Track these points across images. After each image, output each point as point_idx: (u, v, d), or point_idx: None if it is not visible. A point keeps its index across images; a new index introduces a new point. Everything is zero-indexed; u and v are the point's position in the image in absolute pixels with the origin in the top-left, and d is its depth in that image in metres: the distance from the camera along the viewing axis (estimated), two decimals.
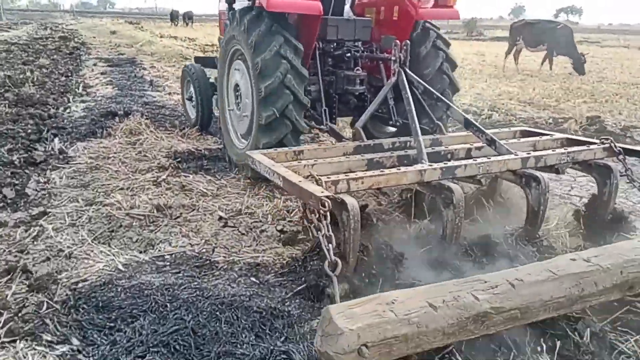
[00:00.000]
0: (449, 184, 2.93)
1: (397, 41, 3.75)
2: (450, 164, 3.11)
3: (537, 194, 3.10)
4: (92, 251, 3.12)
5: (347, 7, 4.93)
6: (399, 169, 3.01)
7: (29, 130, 5.73)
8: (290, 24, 4.14)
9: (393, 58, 3.77)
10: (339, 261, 2.22)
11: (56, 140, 5.31)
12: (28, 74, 9.97)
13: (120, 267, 2.94)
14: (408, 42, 3.76)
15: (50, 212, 3.63)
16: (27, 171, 4.38)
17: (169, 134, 5.96)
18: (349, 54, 4.56)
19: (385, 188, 3.08)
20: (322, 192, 2.47)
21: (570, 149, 3.49)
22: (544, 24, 14.27)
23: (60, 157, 4.87)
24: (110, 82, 10.22)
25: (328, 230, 2.32)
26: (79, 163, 4.72)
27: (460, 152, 3.65)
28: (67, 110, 7.14)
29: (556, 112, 8.63)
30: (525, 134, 4.22)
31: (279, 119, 3.92)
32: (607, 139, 3.55)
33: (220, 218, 3.61)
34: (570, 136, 4.12)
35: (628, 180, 3.42)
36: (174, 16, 42.90)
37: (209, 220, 3.61)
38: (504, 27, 68.92)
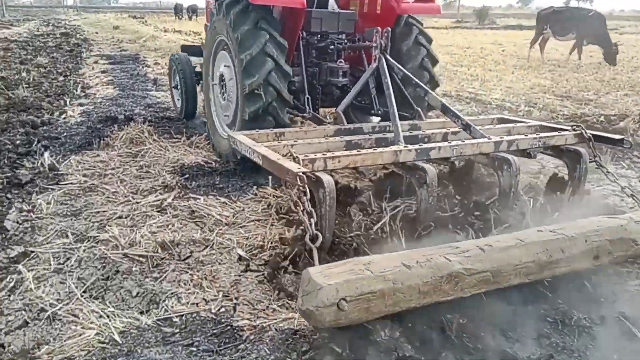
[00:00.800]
0: (423, 164, 3.01)
1: (379, 28, 3.85)
2: (425, 145, 3.19)
3: (509, 176, 3.17)
4: (82, 310, 2.44)
5: (331, 1, 4.99)
6: (375, 150, 3.11)
7: (18, 142, 5.06)
8: (275, 18, 4.22)
9: (374, 44, 3.87)
10: (319, 234, 2.37)
11: (46, 154, 4.63)
12: (24, 74, 9.30)
13: (116, 336, 2.25)
14: (389, 29, 3.90)
15: (32, 252, 2.96)
16: (9, 195, 3.70)
17: (174, 142, 5.26)
18: (332, 46, 4.65)
19: (362, 167, 3.14)
20: (298, 168, 2.61)
21: (542, 134, 3.64)
22: (573, 12, 13.40)
23: (50, 175, 4.19)
24: (111, 81, 9.54)
25: (308, 206, 2.43)
26: (71, 183, 4.04)
27: (437, 136, 3.81)
28: (63, 116, 6.46)
29: (599, 106, 7.84)
30: (502, 121, 4.38)
31: (262, 115, 4.01)
32: (578, 126, 3.70)
33: (240, 258, 2.91)
34: (544, 123, 4.24)
35: (597, 166, 3.53)
36: (178, 10, 42.05)
37: (226, 261, 2.91)
38: (514, 15, 67.38)
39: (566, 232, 2.57)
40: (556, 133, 3.71)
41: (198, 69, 5.77)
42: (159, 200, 3.70)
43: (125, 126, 5.55)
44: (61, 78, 9.50)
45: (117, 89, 8.73)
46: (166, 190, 3.92)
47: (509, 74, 11.23)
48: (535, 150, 3.57)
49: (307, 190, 2.49)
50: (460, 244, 2.42)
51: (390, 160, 3.07)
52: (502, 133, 3.86)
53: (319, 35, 4.68)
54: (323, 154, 2.95)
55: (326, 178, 2.67)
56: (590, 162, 3.54)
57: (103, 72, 10.73)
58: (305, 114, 4.48)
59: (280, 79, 3.98)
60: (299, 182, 2.49)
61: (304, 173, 2.54)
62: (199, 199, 3.75)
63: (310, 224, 2.39)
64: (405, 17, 4.64)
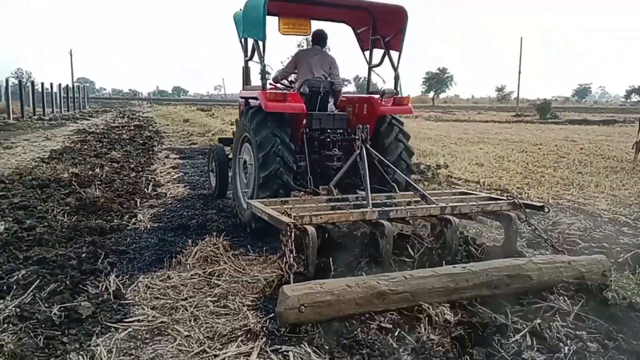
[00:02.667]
0: (383, 221, 4.00)
1: (360, 125, 4.99)
2: (385, 208, 4.31)
3: (451, 232, 4.18)
4: None
5: (330, 105, 6.31)
6: (349, 210, 4.31)
7: (83, 255, 4.58)
8: (284, 117, 5.36)
9: (357, 137, 4.94)
10: (295, 264, 3.48)
11: (112, 276, 4.06)
12: (97, 170, 9.29)
13: None
14: (368, 126, 5.01)
15: None
16: (65, 339, 3.07)
17: (251, 260, 4.62)
18: (329, 139, 5.94)
19: (338, 222, 4.20)
20: (289, 220, 3.70)
21: (480, 202, 4.76)
22: None
23: (115, 306, 3.56)
24: (182, 178, 9.35)
25: (291, 246, 3.53)
26: (138, 319, 3.38)
27: (402, 203, 4.78)
28: (133, 220, 6.06)
29: None
30: (463, 194, 5.58)
31: (272, 179, 5.08)
32: (511, 196, 5.19)
33: None
34: (491, 195, 5.52)
35: (529, 226, 4.61)
36: None
37: None
38: (573, 109, 66.08)
39: (472, 268, 3.55)
40: (493, 201, 4.84)
41: (230, 156, 6.89)
42: (242, 354, 2.94)
43: (198, 238, 5.01)
44: (133, 174, 9.41)
45: (187, 187, 8.44)
46: (249, 337, 3.16)
47: (603, 178, 10.16)
48: (474, 214, 4.71)
49: (293, 234, 3.57)
50: (390, 274, 3.40)
51: (359, 218, 4.13)
52: (454, 202, 4.87)
53: (319, 131, 5.96)
54: (309, 212, 4.04)
55: (310, 229, 3.72)
56: (522, 222, 4.63)
57: (174, 167, 10.65)
58: (307, 189, 5.50)
59: (285, 151, 5.14)
60: (288, 230, 3.58)
61: (293, 223, 3.63)
62: (292, 353, 2.95)
63: (289, 256, 3.48)
64: (389, 119, 5.94)
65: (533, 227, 4.58)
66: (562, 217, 6.61)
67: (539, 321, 3.13)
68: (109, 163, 10.50)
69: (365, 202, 4.47)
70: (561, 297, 3.49)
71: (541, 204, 4.76)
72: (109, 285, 3.89)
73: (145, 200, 7.33)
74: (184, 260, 4.50)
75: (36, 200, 6.73)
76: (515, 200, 4.70)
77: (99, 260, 4.44)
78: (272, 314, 3.48)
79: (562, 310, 3.34)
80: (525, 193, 8.17)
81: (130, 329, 3.24)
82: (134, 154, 12.46)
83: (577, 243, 5.48)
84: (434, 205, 4.47)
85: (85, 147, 13.52)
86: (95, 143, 14.61)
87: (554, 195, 8.12)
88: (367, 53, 6.55)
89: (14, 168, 9.58)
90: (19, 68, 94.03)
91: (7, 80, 25.03)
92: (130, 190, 7.81)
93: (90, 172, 8.97)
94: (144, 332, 3.23)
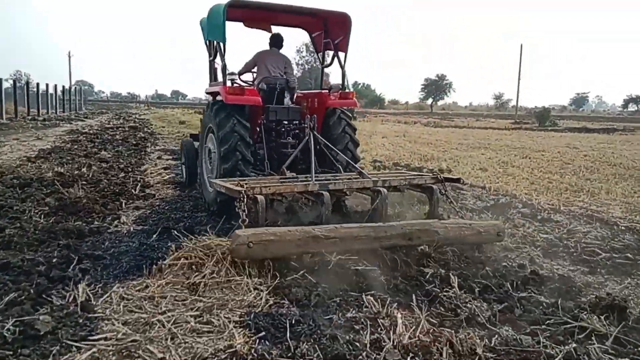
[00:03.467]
0: (323, 192, 4.85)
1: (309, 115, 5.94)
2: (325, 181, 5.16)
3: (381, 201, 5.04)
4: None
5: (287, 99, 7.10)
6: (294, 183, 5.12)
7: (54, 260, 4.11)
8: (245, 111, 6.06)
9: (306, 126, 5.81)
10: (247, 219, 4.29)
11: (82, 285, 3.59)
12: (84, 169, 8.81)
13: None
14: (315, 116, 5.92)
15: None
16: None
17: (241, 269, 4.14)
18: (283, 129, 6.65)
19: (284, 193, 5.04)
20: (241, 189, 4.47)
21: (407, 176, 5.91)
22: None
23: (80, 320, 3.09)
24: (172, 179, 8.87)
25: (244, 207, 4.37)
26: (105, 337, 2.91)
27: (344, 179, 5.52)
28: (115, 223, 5.59)
29: None
30: (403, 171, 7.36)
31: (231, 152, 5.74)
32: (435, 172, 6.86)
33: None
34: (420, 173, 6.73)
35: (446, 197, 5.56)
36: None
37: None
38: (570, 117, 65.62)
39: (391, 223, 4.50)
40: (418, 176, 5.89)
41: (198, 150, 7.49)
42: None
43: (184, 243, 4.54)
44: (122, 174, 8.94)
45: (177, 189, 7.98)
46: (234, 359, 2.70)
47: (613, 185, 9.73)
48: (403, 187, 5.53)
49: (245, 199, 4.40)
50: (325, 225, 4.31)
51: (302, 190, 4.94)
52: (386, 177, 5.66)
53: (275, 122, 6.66)
54: (260, 185, 4.78)
55: (260, 197, 4.52)
56: (441, 194, 5.47)
57: (165, 168, 10.17)
58: (265, 173, 6.19)
59: (242, 129, 5.83)
60: (240, 196, 4.40)
61: (245, 192, 4.45)
62: None
63: (243, 214, 4.34)
64: (338, 113, 6.74)
65: (450, 200, 5.59)
66: (577, 225, 6.18)
67: (574, 345, 2.68)
68: (98, 163, 10.03)
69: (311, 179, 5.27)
70: (595, 317, 3.04)
71: (457, 177, 5.94)
72: (78, 295, 3.43)
73: (131, 201, 6.86)
74: (165, 268, 4.03)
75: (13, 200, 6.27)
76: (438, 175, 5.75)
77: (71, 267, 3.98)
78: (263, 333, 3.02)
79: (597, 332, 2.90)
80: (535, 199, 7.73)
81: (94, 349, 2.77)
82: (125, 154, 11.98)
83: (597, 253, 5.05)
84: (367, 179, 5.32)
85: (76, 146, 13.04)
86: (86, 143, 14.13)
87: (564, 202, 7.68)
88: (320, 55, 7.37)
89: None
90: (18, 70, 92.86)
91: (0, 81, 24.49)
92: (117, 190, 7.34)
93: (76, 172, 8.48)
94: (110, 353, 2.75)
